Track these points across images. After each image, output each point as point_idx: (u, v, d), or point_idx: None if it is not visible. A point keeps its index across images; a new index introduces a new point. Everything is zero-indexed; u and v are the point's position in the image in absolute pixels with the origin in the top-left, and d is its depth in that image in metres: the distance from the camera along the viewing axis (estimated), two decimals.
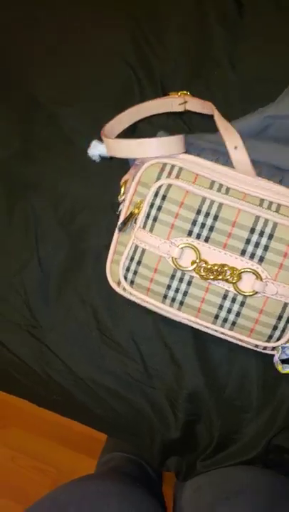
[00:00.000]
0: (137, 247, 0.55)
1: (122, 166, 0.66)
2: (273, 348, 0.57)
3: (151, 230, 0.54)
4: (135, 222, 0.56)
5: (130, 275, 0.56)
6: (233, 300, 0.55)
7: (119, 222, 0.57)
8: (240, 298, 0.55)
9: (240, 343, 0.59)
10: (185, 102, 0.64)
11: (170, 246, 0.54)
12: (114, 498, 0.60)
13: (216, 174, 0.55)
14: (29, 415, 1.29)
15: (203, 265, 0.54)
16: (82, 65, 0.73)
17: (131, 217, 0.56)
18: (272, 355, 0.58)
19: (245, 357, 0.64)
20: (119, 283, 0.60)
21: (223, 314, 0.55)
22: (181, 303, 0.56)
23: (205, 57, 0.70)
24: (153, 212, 0.54)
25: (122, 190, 0.60)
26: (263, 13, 0.70)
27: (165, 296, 0.56)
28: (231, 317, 0.55)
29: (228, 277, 0.53)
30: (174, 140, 0.56)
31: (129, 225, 0.56)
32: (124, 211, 0.58)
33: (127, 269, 0.55)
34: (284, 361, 0.58)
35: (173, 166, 0.55)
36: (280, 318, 0.54)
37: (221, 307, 0.55)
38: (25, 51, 0.76)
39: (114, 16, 0.74)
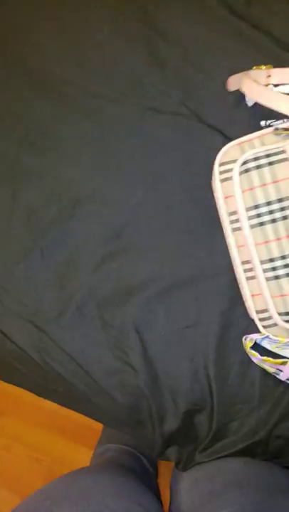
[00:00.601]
0: (281, 152, 0.54)
1: (129, 155, 0.68)
2: (267, 327, 0.56)
3: None
4: None
5: (252, 165, 0.55)
6: None
7: (282, 125, 0.57)
8: None
9: (250, 299, 0.57)
10: (269, 76, 0.62)
11: None
12: (110, 491, 0.61)
13: None
14: (25, 404, 1.32)
15: None
16: (90, 48, 0.73)
17: None
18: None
19: None
20: (223, 164, 0.58)
21: (278, 263, 0.54)
22: (261, 224, 0.55)
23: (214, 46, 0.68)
24: None
25: None
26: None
27: (256, 207, 0.55)
28: (281, 272, 0.54)
29: None
30: None
31: (285, 135, 0.56)
32: None
33: (255, 159, 0.55)
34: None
35: None
36: None
37: (283, 257, 0.53)
38: (30, 36, 0.76)
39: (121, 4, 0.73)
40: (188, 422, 0.67)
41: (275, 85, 0.63)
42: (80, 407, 0.73)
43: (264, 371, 0.62)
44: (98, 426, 1.12)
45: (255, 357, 0.58)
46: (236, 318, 0.64)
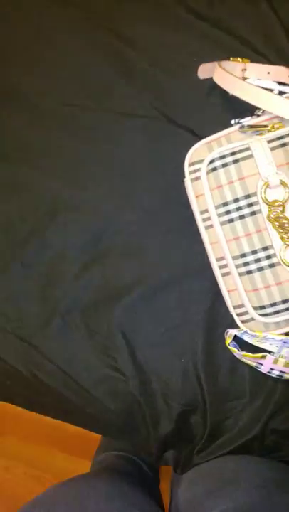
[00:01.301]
0: (246, 149, 0.57)
1: (104, 162, 0.71)
2: (245, 321, 0.59)
3: (272, 150, 0.57)
4: (258, 134, 0.59)
5: (218, 164, 0.58)
6: (268, 257, 0.56)
7: (247, 123, 0.60)
8: (274, 260, 0.56)
9: (227, 294, 0.60)
10: (244, 70, 0.65)
11: (274, 174, 0.56)
12: (103, 496, 0.63)
13: None
14: (22, 421, 1.34)
15: (279, 210, 0.55)
16: (57, 59, 0.75)
17: (260, 127, 0.59)
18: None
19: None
20: (194, 163, 0.61)
21: (249, 258, 0.57)
22: (231, 221, 0.58)
23: (179, 48, 0.71)
24: (286, 140, 0.57)
25: None
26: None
27: (225, 204, 0.58)
28: (253, 266, 0.56)
29: (285, 236, 0.54)
30: None
31: (251, 132, 0.59)
32: (259, 120, 0.61)
33: (221, 157, 0.58)
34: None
35: None
36: (285, 301, 0.56)
37: (254, 252, 0.56)
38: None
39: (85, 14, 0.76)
40: (182, 423, 0.69)
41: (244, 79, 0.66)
42: (74, 419, 0.75)
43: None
44: (98, 437, 1.13)
45: (235, 352, 0.61)
46: (221, 314, 0.66)
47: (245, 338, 0.60)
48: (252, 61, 0.67)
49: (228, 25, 0.71)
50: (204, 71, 0.68)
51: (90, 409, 0.72)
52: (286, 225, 0.54)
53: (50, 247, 0.72)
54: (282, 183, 0.56)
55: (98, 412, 0.71)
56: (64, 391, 0.71)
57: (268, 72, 0.65)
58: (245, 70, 0.65)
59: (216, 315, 0.67)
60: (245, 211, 0.57)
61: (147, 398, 0.69)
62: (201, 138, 0.64)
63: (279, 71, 0.65)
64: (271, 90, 0.62)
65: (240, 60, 0.65)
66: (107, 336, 0.69)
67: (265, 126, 0.58)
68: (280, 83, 0.65)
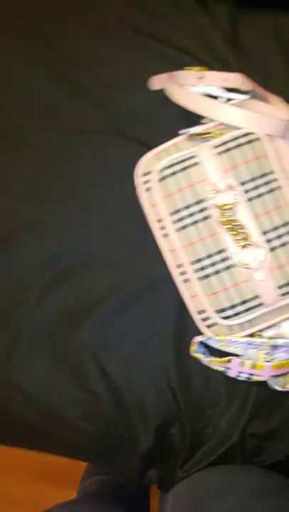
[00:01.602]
0: (193, 157, 0.60)
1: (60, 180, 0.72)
2: (210, 326, 0.60)
3: (218, 155, 0.59)
4: (205, 141, 0.61)
5: (168, 172, 0.60)
6: (223, 260, 0.58)
7: (193, 131, 0.62)
8: (229, 262, 0.58)
9: (188, 300, 0.61)
10: (201, 78, 0.67)
11: (221, 179, 0.58)
12: None
13: None
14: (7, 458, 1.31)
15: (229, 213, 0.57)
16: (2, 85, 0.77)
17: (206, 135, 0.61)
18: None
19: None
20: (146, 174, 0.63)
21: (205, 263, 0.59)
22: (184, 227, 0.59)
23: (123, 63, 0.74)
24: (231, 144, 0.59)
25: None
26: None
27: (177, 211, 0.60)
28: (209, 270, 0.58)
29: (238, 238, 0.57)
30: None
31: (198, 140, 0.62)
32: (206, 127, 0.63)
33: (170, 166, 0.60)
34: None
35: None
36: (244, 302, 0.58)
37: (209, 256, 0.58)
38: None
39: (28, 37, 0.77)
40: (161, 437, 0.69)
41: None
42: (50, 447, 0.75)
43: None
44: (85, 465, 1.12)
45: (202, 359, 0.61)
46: (189, 322, 0.66)
47: (211, 343, 0.61)
48: None
49: (169, 38, 0.74)
50: (156, 82, 0.70)
51: (66, 434, 0.71)
52: (237, 227, 0.57)
53: (8, 272, 0.71)
54: (230, 187, 0.58)
55: (74, 436, 0.71)
56: (36, 419, 0.70)
57: (226, 80, 0.67)
58: (202, 78, 0.67)
59: (185, 323, 0.67)
60: (198, 217, 0.59)
61: (123, 415, 0.69)
62: (152, 149, 0.65)
63: (236, 78, 0.67)
64: (216, 97, 0.64)
65: (195, 69, 0.67)
66: (75, 356, 0.69)
67: (211, 132, 0.61)
68: (231, 90, 0.67)
